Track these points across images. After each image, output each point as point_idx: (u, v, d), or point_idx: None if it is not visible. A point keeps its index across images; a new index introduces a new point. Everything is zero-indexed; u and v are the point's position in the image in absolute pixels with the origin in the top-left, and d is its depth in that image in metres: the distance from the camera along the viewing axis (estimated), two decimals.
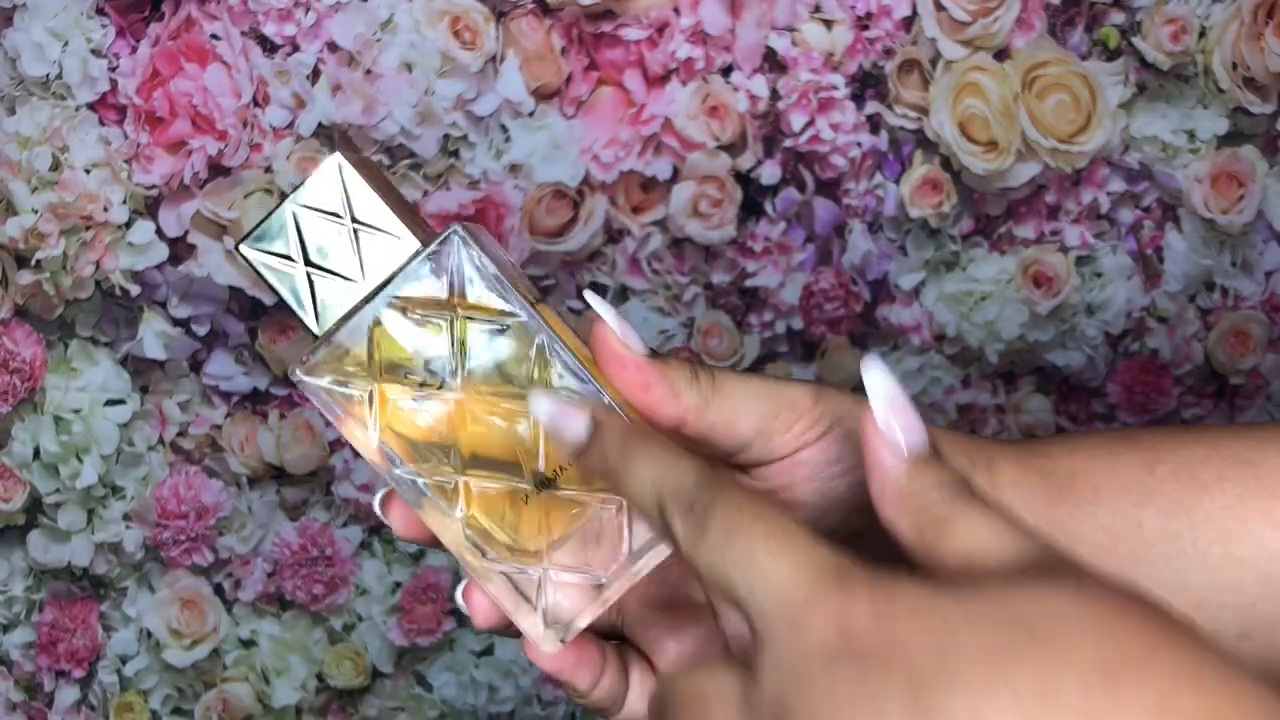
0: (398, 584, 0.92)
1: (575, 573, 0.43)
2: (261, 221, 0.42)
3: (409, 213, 0.43)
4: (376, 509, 0.45)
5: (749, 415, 0.42)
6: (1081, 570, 0.33)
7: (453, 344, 0.42)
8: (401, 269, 0.42)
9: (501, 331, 0.42)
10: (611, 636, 0.48)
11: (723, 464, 0.45)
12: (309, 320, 0.43)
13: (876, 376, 0.38)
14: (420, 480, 0.43)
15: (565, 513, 0.43)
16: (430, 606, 0.91)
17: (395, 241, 0.42)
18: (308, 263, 0.42)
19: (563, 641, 0.43)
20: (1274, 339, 0.87)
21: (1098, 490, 0.44)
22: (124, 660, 0.93)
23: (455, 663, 0.93)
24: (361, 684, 0.94)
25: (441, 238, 0.41)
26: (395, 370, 0.42)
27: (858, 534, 0.44)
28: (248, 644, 0.93)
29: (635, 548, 0.43)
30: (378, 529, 0.92)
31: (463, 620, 0.93)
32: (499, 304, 0.42)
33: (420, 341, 0.42)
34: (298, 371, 0.42)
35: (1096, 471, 0.44)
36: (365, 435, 0.43)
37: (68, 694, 0.94)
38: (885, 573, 0.34)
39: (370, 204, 0.42)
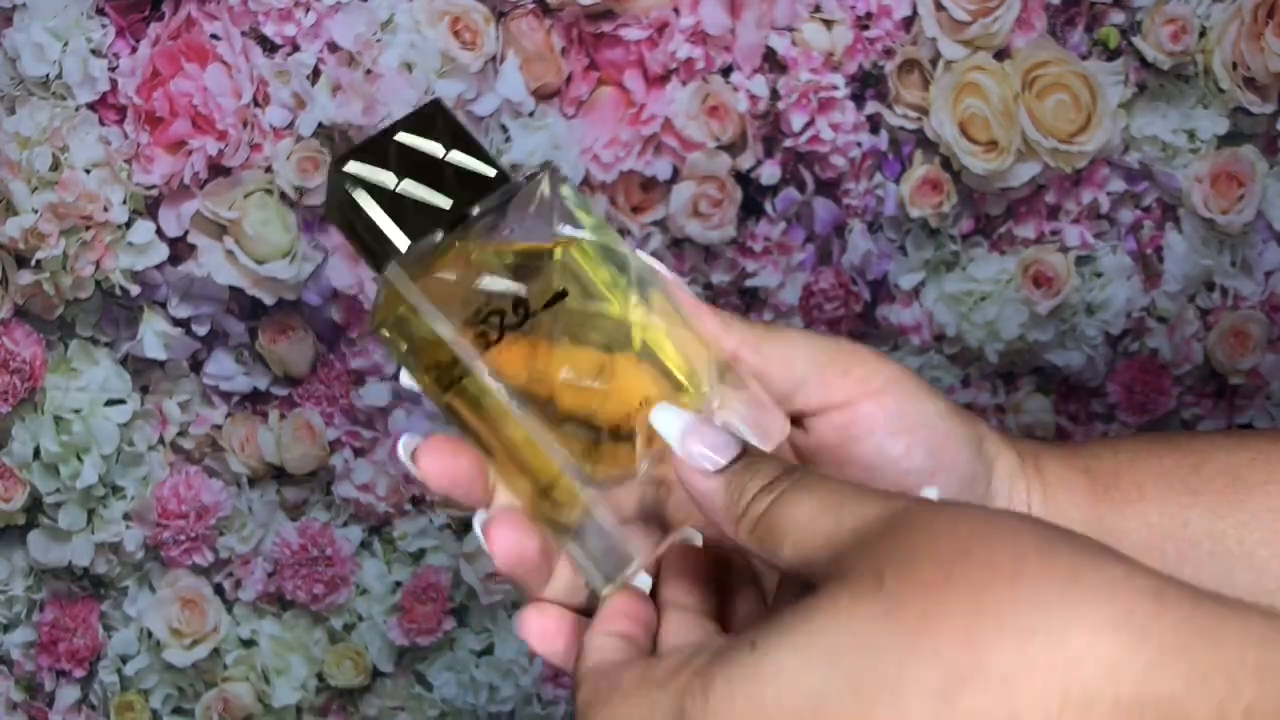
0: (398, 584, 0.92)
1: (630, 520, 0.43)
2: (361, 145, 0.43)
3: (494, 159, 0.44)
4: (403, 458, 0.43)
5: (805, 356, 0.42)
6: (926, 509, 0.33)
7: (538, 280, 0.42)
8: (493, 204, 0.43)
9: (598, 262, 0.42)
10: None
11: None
12: (400, 244, 0.43)
13: (662, 418, 0.38)
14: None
15: (627, 460, 0.42)
16: (430, 606, 0.91)
17: (487, 179, 0.43)
18: (400, 183, 0.43)
19: (613, 586, 0.43)
20: (1274, 339, 0.87)
21: (1142, 489, 0.44)
22: (124, 660, 0.93)
23: (455, 662, 0.93)
24: (362, 684, 0.94)
25: (533, 175, 0.42)
26: (476, 307, 0.42)
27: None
28: (248, 644, 0.93)
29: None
30: (378, 529, 0.92)
31: (463, 620, 0.93)
32: (591, 239, 0.42)
33: (503, 278, 0.42)
34: (378, 277, 0.42)
35: (1141, 470, 0.45)
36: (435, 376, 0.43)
37: (68, 693, 0.94)
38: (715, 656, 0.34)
39: (465, 142, 0.43)
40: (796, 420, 0.44)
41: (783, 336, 0.43)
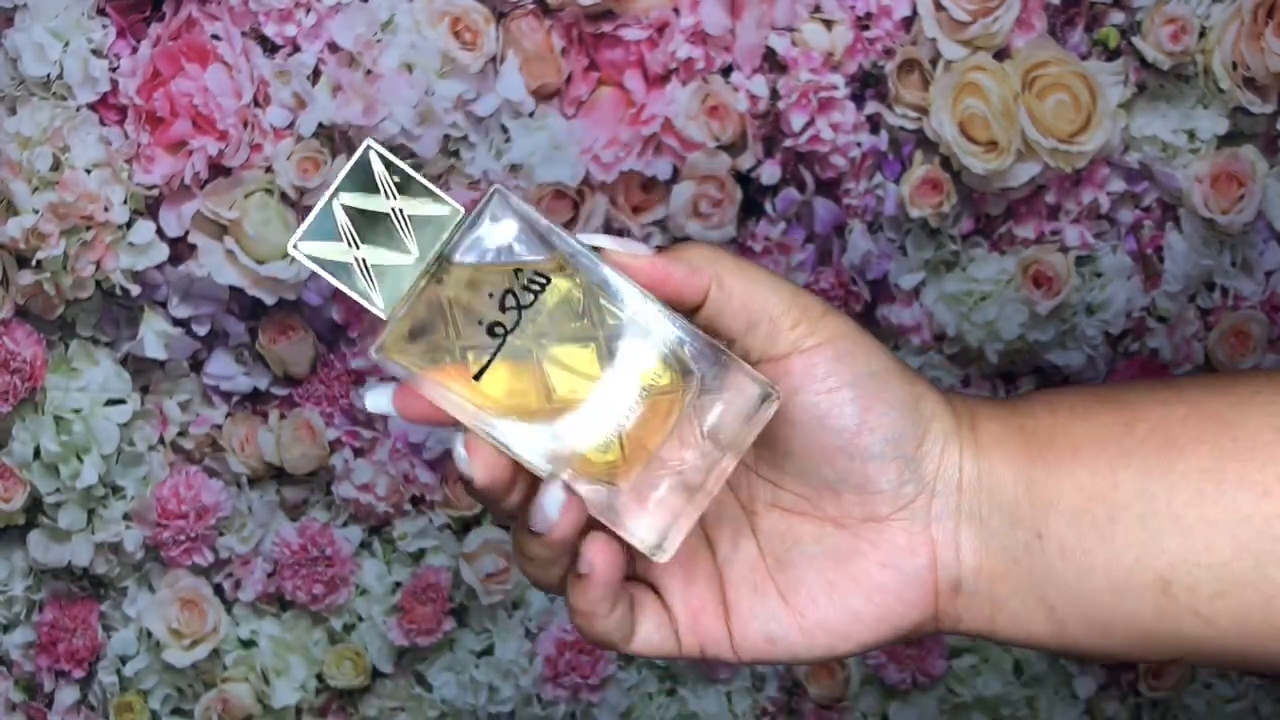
0: (398, 584, 0.92)
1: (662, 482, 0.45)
2: (309, 219, 0.44)
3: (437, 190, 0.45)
4: (459, 453, 0.44)
5: (767, 297, 0.44)
6: None
7: (513, 298, 0.43)
8: (451, 236, 0.43)
9: (559, 274, 0.43)
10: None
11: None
12: (375, 304, 0.44)
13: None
14: (512, 432, 0.44)
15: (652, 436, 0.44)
16: (430, 606, 0.91)
17: (440, 213, 0.44)
18: (359, 249, 0.44)
19: (667, 549, 0.45)
20: (1274, 339, 0.87)
21: (1076, 449, 0.45)
22: (124, 660, 0.93)
23: (455, 663, 0.93)
24: (361, 684, 0.94)
25: (486, 198, 0.43)
26: (466, 332, 0.44)
27: (833, 456, 0.45)
28: (248, 644, 0.93)
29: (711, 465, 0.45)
30: (378, 529, 0.92)
31: (463, 620, 0.93)
32: (551, 249, 0.43)
33: (483, 301, 0.43)
34: (374, 353, 0.44)
35: (1076, 430, 0.45)
36: (452, 399, 0.44)
37: (67, 694, 0.94)
38: None
39: (408, 182, 0.44)
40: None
41: (749, 276, 0.44)
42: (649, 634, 0.47)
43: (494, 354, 0.43)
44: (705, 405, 0.44)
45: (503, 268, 0.43)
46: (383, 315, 0.44)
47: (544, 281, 0.43)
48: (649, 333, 0.44)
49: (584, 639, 0.48)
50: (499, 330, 0.43)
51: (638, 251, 0.44)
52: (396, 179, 0.43)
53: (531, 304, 0.43)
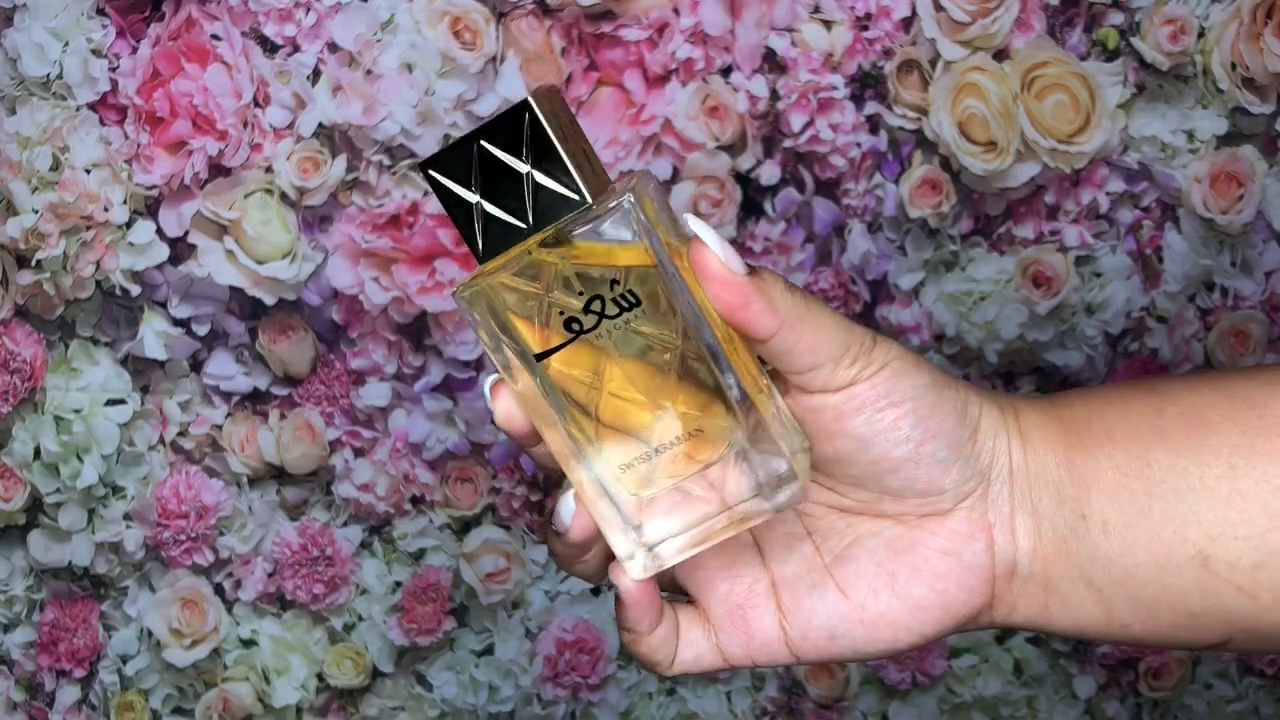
0: (398, 584, 0.92)
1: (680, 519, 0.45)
2: (446, 147, 0.44)
3: (586, 160, 0.45)
4: (485, 389, 0.46)
5: (831, 340, 0.45)
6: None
7: (600, 303, 0.44)
8: (568, 223, 0.44)
9: (650, 294, 0.44)
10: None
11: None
12: (475, 249, 0.45)
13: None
14: (559, 405, 0.45)
15: (685, 457, 0.45)
16: (430, 606, 0.91)
17: (568, 192, 0.44)
18: (483, 195, 0.44)
19: (650, 567, 0.45)
20: (1274, 339, 0.87)
21: (1110, 432, 0.47)
22: (125, 660, 0.93)
23: (455, 663, 0.93)
24: (362, 683, 0.94)
25: (615, 204, 0.43)
26: (546, 312, 0.44)
27: (898, 466, 0.47)
28: (248, 644, 0.93)
29: (736, 500, 0.45)
30: (378, 529, 0.92)
31: (463, 620, 0.93)
32: (651, 269, 0.43)
33: (572, 294, 0.44)
34: (454, 294, 0.45)
35: (1109, 415, 0.48)
36: (512, 363, 0.45)
37: (68, 693, 0.94)
38: None
39: (550, 152, 0.43)
40: (798, 389, 0.47)
41: (818, 316, 0.45)
42: (683, 652, 0.49)
43: (561, 346, 0.44)
44: (739, 458, 0.45)
45: (604, 267, 0.43)
46: (479, 262, 0.44)
47: (635, 302, 0.43)
48: (713, 373, 0.44)
49: (635, 658, 0.49)
50: (575, 327, 0.44)
51: (733, 265, 0.44)
52: (541, 144, 0.43)
53: (615, 317, 0.44)
